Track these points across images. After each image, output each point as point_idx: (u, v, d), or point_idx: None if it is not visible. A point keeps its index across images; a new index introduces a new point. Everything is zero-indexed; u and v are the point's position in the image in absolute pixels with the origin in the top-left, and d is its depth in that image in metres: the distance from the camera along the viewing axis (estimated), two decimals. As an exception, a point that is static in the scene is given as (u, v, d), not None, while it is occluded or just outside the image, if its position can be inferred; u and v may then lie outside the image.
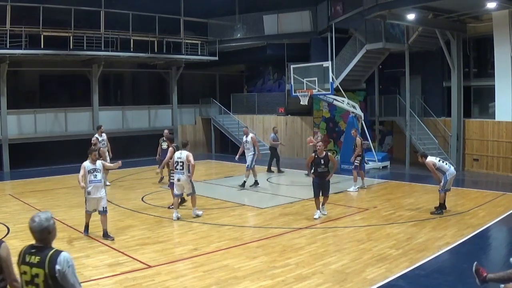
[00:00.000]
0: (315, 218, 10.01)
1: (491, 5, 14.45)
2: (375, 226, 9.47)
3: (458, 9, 15.68)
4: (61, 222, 9.93)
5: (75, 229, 9.38)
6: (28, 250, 3.57)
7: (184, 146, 10.58)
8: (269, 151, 17.32)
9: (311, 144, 15.49)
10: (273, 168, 16.91)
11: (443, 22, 16.59)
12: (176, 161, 10.22)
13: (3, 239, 8.50)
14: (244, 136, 14.38)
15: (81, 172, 8.85)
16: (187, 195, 10.62)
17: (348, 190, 13.14)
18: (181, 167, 10.13)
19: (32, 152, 19.76)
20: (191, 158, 10.06)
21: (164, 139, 14.50)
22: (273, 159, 16.90)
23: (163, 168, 13.26)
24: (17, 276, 3.67)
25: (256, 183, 13.97)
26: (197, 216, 10.40)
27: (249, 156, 13.92)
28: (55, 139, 19.90)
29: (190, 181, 10.22)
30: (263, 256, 7.62)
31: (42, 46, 18.06)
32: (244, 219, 10.38)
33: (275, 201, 12.33)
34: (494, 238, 9.29)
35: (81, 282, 6.40)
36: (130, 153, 21.21)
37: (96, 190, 8.75)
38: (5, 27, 17.13)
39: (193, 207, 10.46)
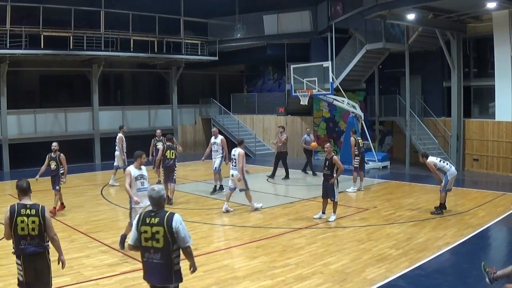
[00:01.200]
0: (314, 218, 10.01)
1: (491, 5, 14.45)
2: (375, 226, 9.47)
3: (458, 9, 15.68)
4: (61, 222, 9.94)
5: (75, 229, 9.38)
6: (148, 214, 4.52)
7: (239, 144, 11.27)
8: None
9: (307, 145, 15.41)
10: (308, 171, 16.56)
11: (443, 22, 16.59)
12: (231, 158, 11.05)
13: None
14: (213, 137, 13.19)
15: (128, 179, 7.63)
16: (240, 191, 10.97)
17: (347, 190, 13.14)
18: (235, 164, 10.75)
19: (32, 152, 19.75)
20: (241, 157, 10.67)
21: (157, 139, 14.51)
22: (309, 161, 16.48)
23: (158, 168, 13.60)
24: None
25: (221, 188, 13.09)
26: (257, 209, 10.94)
27: (217, 159, 12.91)
28: (55, 139, 19.78)
29: (243, 178, 10.71)
30: (263, 256, 7.61)
31: (42, 46, 18.07)
32: (244, 219, 10.37)
33: (275, 201, 12.34)
34: (494, 238, 9.29)
35: (81, 282, 6.45)
36: (130, 153, 21.19)
37: (144, 198, 7.19)
38: (5, 27, 17.14)
39: (250, 202, 10.96)
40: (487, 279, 5.72)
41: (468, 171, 17.07)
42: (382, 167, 18.16)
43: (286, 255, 7.67)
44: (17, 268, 5.02)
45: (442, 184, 10.39)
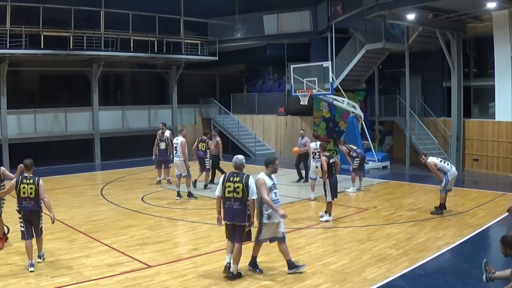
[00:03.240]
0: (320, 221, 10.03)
1: (491, 5, 14.45)
2: (375, 226, 9.47)
3: (458, 9, 15.68)
4: (61, 222, 9.92)
5: (75, 229, 9.38)
6: (231, 174, 6.55)
7: (316, 137, 12.92)
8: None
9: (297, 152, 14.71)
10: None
11: (443, 22, 16.59)
12: (313, 152, 12.13)
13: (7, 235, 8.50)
14: (176, 138, 12.77)
15: (264, 191, 6.52)
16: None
17: (346, 190, 13.13)
18: (318, 156, 11.40)
19: (32, 152, 19.72)
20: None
21: (160, 139, 14.53)
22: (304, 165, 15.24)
23: (160, 168, 14.30)
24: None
25: (178, 194, 12.36)
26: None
27: (180, 161, 12.26)
28: (55, 139, 19.90)
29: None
30: (263, 256, 7.60)
31: (42, 46, 18.05)
32: (244, 219, 10.35)
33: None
34: (494, 238, 9.27)
35: (81, 282, 6.45)
36: (130, 153, 21.23)
37: (275, 212, 6.63)
38: (5, 27, 17.13)
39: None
40: (484, 277, 5.67)
41: (468, 171, 17.06)
42: (382, 167, 18.15)
43: (286, 255, 7.66)
44: (19, 222, 7.15)
45: (443, 184, 10.39)
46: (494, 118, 16.37)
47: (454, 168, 10.67)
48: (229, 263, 6.57)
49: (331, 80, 17.17)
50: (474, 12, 16.00)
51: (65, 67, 20.98)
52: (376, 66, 20.45)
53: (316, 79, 17.35)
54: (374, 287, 6.32)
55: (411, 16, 15.40)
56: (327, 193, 9.84)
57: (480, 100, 17.93)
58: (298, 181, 14.99)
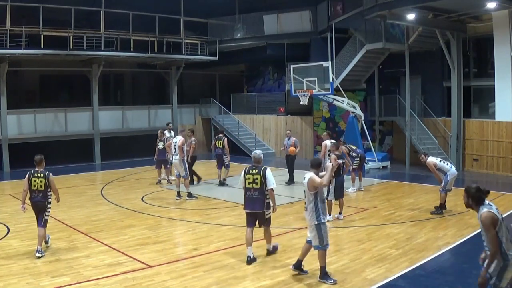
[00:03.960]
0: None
1: (491, 5, 14.45)
2: (375, 226, 9.47)
3: (458, 9, 15.68)
4: (61, 222, 9.94)
5: (75, 229, 9.38)
6: (250, 167, 7.36)
7: (330, 137, 13.02)
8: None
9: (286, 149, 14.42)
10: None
11: (443, 22, 16.59)
12: (329, 150, 11.87)
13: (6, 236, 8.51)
14: (175, 138, 12.76)
15: (322, 190, 6.67)
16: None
17: (346, 191, 13.11)
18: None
19: (32, 152, 19.66)
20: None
21: (161, 138, 14.53)
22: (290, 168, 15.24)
23: (160, 168, 14.45)
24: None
25: (178, 194, 12.42)
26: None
27: (178, 161, 12.26)
28: (55, 139, 19.91)
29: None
30: (263, 256, 7.61)
31: (42, 46, 18.07)
32: (244, 219, 10.28)
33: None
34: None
35: (81, 282, 6.45)
36: (130, 153, 21.24)
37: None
38: (5, 27, 17.13)
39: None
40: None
41: (468, 171, 17.06)
42: (382, 167, 18.15)
43: (286, 255, 7.67)
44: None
45: (442, 184, 10.39)
46: (494, 118, 16.37)
47: (453, 168, 10.67)
48: (250, 256, 7.31)
49: (331, 80, 17.16)
50: (474, 12, 16.00)
51: (65, 67, 20.99)
52: (376, 66, 20.45)
53: (316, 79, 17.35)
54: (374, 287, 6.32)
55: (411, 16, 15.39)
56: (330, 192, 9.86)
57: (480, 100, 17.93)
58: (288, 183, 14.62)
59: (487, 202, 4.80)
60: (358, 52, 19.18)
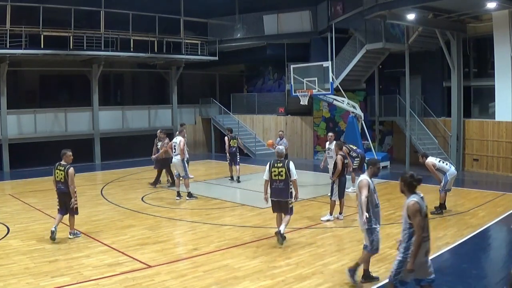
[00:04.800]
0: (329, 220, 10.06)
1: (491, 5, 14.44)
2: (375, 226, 9.46)
3: (458, 9, 15.68)
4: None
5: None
6: (275, 161, 8.28)
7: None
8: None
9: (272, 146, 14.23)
10: None
11: (443, 22, 16.59)
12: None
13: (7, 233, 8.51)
14: (175, 138, 12.73)
15: (365, 191, 6.23)
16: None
17: (346, 190, 13.09)
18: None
19: (32, 152, 19.76)
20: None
21: (158, 139, 14.52)
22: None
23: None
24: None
25: (178, 194, 12.41)
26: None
27: (178, 161, 12.24)
28: (55, 139, 19.88)
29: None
30: (263, 256, 7.61)
31: (42, 46, 18.06)
32: (244, 219, 10.37)
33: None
34: (494, 238, 9.29)
35: (81, 282, 6.45)
36: (130, 153, 21.24)
37: (379, 217, 6.43)
38: (5, 27, 17.13)
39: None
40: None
41: (468, 171, 17.06)
42: (382, 167, 18.12)
43: (286, 255, 7.67)
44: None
45: (442, 184, 10.39)
46: (494, 118, 16.37)
47: (453, 168, 10.66)
48: (280, 230, 8.19)
49: (331, 80, 17.15)
50: (474, 12, 16.00)
51: (65, 67, 20.99)
52: (376, 66, 20.45)
53: (316, 79, 17.33)
54: (374, 287, 6.32)
55: (411, 16, 15.39)
56: (334, 192, 9.88)
57: (480, 100, 17.93)
58: None
59: (418, 192, 5.24)
60: (358, 52, 19.17)
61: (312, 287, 6.37)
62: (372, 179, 6.37)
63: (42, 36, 18.00)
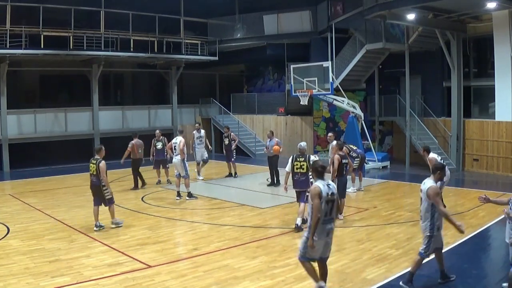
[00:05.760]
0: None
1: (491, 5, 14.45)
2: (375, 226, 9.47)
3: (458, 9, 15.68)
4: (61, 222, 9.95)
5: (75, 229, 9.38)
6: (297, 156, 9.32)
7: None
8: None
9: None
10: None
11: (443, 22, 16.60)
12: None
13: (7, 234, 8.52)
14: (175, 138, 12.71)
15: (439, 200, 6.23)
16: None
17: (346, 190, 13.09)
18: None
19: (32, 152, 19.76)
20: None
21: (157, 139, 14.51)
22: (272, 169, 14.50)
23: (158, 168, 14.64)
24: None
25: (178, 194, 12.38)
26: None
27: (179, 161, 12.21)
28: (55, 139, 19.91)
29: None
30: (263, 256, 7.62)
31: (42, 46, 18.06)
32: (244, 219, 10.37)
33: (275, 201, 12.33)
34: (494, 238, 9.28)
35: (81, 282, 6.45)
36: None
37: (454, 223, 6.25)
38: (5, 27, 17.13)
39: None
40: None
41: (468, 171, 17.06)
42: (382, 167, 18.14)
43: (286, 255, 7.67)
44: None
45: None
46: (494, 118, 16.37)
47: (448, 171, 10.45)
48: (297, 224, 9.09)
49: (331, 80, 17.16)
50: (474, 12, 16.01)
51: (65, 67, 20.98)
52: (376, 66, 20.45)
53: (316, 79, 17.35)
54: (374, 287, 6.32)
55: (411, 16, 15.40)
56: None
57: (480, 100, 17.94)
58: (270, 185, 14.23)
59: (326, 179, 5.81)
60: (358, 52, 19.18)
61: (312, 287, 6.36)
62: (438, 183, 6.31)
63: (42, 36, 18.00)
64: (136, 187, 13.92)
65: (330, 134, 13.29)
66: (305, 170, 9.14)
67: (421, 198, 6.34)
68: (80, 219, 10.26)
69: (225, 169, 16.59)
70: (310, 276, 5.89)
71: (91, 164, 9.33)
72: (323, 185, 5.65)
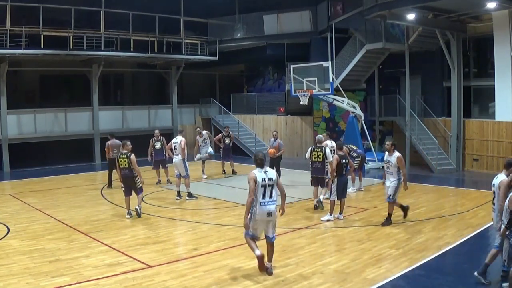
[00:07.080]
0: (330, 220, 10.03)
1: (491, 5, 14.45)
2: (375, 226, 9.47)
3: (458, 9, 15.68)
4: (61, 222, 9.94)
5: (75, 229, 9.37)
6: (315, 146, 10.81)
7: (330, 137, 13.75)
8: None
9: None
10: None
11: (443, 22, 16.59)
12: (330, 150, 11.13)
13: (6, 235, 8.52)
14: (175, 138, 12.70)
15: (504, 195, 6.08)
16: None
17: (346, 190, 13.09)
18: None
19: (32, 152, 19.75)
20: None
21: (155, 139, 14.51)
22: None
23: (158, 168, 14.68)
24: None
25: (178, 194, 12.36)
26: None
27: (179, 161, 12.20)
28: (55, 139, 19.90)
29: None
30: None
31: (42, 46, 18.06)
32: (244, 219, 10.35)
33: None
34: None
35: (81, 282, 6.45)
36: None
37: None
38: (5, 27, 17.13)
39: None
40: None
41: (468, 171, 17.06)
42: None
43: (286, 255, 7.67)
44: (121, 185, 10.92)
45: (396, 185, 9.53)
46: (494, 118, 16.36)
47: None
48: (316, 205, 10.74)
49: (331, 80, 17.16)
50: (474, 12, 16.00)
51: (65, 67, 20.98)
52: (376, 66, 20.44)
53: (316, 79, 17.34)
54: (374, 287, 6.32)
55: (411, 16, 15.39)
56: (332, 192, 9.86)
57: (480, 100, 17.93)
58: None
59: (265, 167, 6.70)
60: (358, 52, 19.17)
61: (312, 287, 6.37)
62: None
63: (42, 36, 18.00)
64: (110, 185, 14.20)
65: (324, 133, 13.08)
66: (321, 159, 10.54)
67: (494, 192, 6.46)
68: (80, 219, 10.26)
69: (225, 169, 16.63)
70: (249, 247, 6.75)
71: (121, 159, 10.00)
72: (259, 172, 6.63)
